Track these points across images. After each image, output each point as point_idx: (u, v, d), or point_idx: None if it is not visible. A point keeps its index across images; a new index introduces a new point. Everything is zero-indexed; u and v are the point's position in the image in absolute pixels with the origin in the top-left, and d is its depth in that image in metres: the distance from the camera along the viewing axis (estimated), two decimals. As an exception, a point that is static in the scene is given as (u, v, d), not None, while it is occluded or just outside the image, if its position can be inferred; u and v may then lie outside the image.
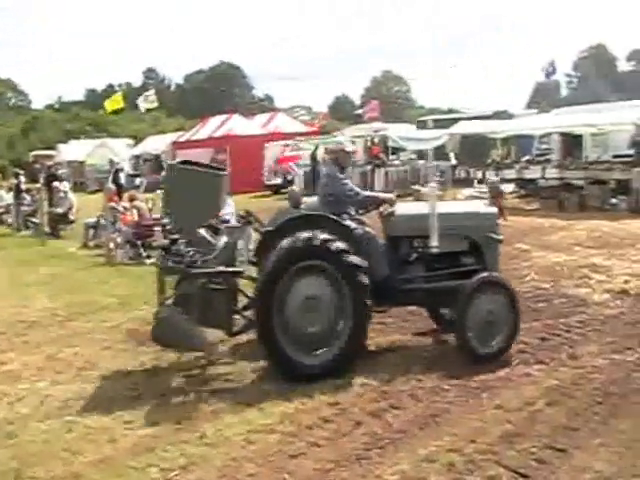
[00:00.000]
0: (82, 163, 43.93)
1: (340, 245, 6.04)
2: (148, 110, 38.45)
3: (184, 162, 7.26)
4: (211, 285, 6.60)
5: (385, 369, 6.23)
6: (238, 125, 34.98)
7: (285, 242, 6.03)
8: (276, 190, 29.38)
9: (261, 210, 10.46)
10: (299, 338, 6.08)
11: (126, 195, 16.72)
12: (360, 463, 4.57)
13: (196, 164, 7.10)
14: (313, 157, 28.18)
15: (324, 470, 4.49)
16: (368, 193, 7.46)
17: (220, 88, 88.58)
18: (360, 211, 6.96)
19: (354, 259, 6.04)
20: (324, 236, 6.03)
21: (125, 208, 14.51)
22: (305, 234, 6.03)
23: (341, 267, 6.02)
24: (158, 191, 28.77)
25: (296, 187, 15.74)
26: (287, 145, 30.69)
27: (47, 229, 17.85)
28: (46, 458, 4.81)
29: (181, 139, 38.04)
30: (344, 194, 6.64)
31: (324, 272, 6.09)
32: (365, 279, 6.04)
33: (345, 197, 6.67)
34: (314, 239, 6.01)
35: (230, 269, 6.66)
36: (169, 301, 6.60)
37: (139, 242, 13.41)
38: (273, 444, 4.88)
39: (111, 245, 13.50)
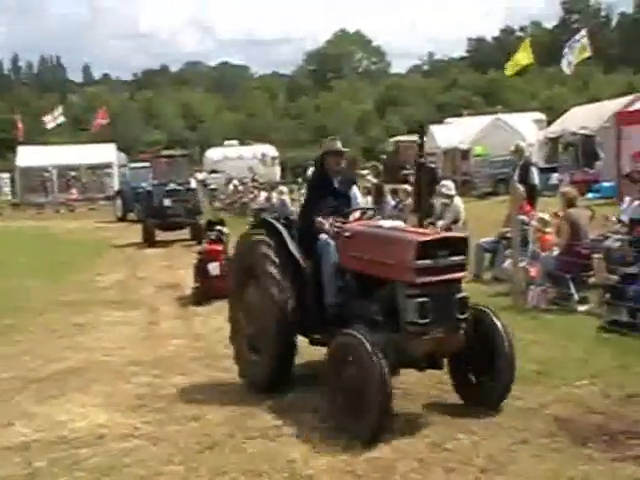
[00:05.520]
0: (467, 152, 46.00)
1: None
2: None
3: None
4: None
5: None
6: None
7: None
8: None
9: None
10: None
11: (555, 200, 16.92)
12: None
13: None
14: None
15: None
16: None
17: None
18: None
19: None
20: None
21: (544, 222, 14.72)
22: None
23: None
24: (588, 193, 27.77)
25: None
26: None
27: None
28: None
29: (632, 108, 36.89)
30: None
31: None
32: None
33: None
34: None
35: None
36: None
37: (568, 277, 13.40)
38: None
39: (520, 279, 13.68)
